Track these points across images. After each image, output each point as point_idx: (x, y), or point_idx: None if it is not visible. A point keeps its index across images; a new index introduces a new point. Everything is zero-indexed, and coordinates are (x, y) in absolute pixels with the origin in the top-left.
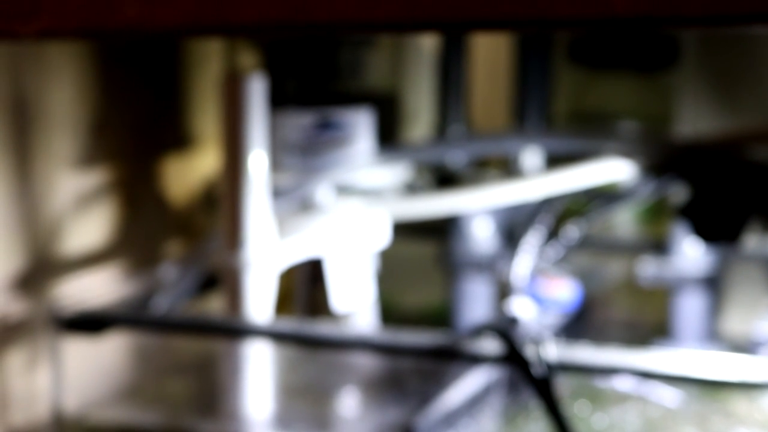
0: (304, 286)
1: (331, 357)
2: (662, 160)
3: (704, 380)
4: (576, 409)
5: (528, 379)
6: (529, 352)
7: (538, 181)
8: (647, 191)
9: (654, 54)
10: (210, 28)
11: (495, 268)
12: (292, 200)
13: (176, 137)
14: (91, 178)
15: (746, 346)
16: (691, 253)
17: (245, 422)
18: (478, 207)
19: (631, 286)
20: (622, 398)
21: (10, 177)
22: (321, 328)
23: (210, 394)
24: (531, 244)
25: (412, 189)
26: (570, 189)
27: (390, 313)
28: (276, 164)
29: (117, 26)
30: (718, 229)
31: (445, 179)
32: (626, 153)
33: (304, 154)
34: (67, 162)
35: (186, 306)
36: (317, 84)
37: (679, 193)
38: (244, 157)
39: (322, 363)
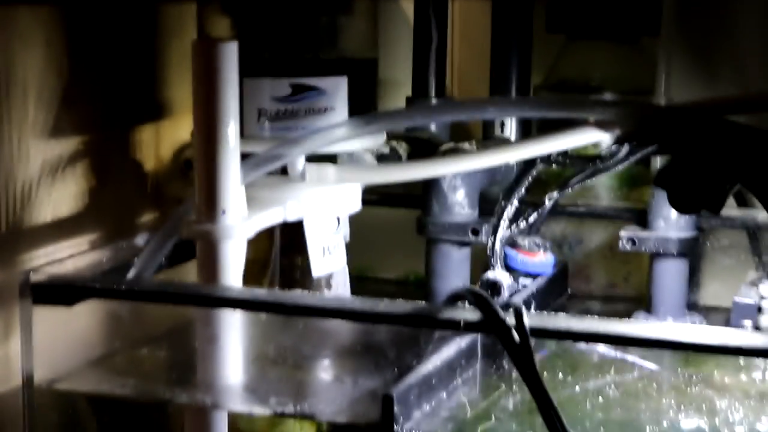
0: (279, 254)
1: (306, 325)
2: (642, 127)
3: (683, 349)
4: (554, 377)
5: (506, 346)
6: (506, 319)
7: (517, 149)
8: (627, 159)
9: (633, 23)
10: None
11: (472, 236)
12: (267, 168)
13: (151, 105)
14: (64, 147)
15: (727, 316)
16: (671, 222)
17: (220, 391)
18: (455, 175)
19: (610, 254)
20: (601, 366)
21: None
22: (296, 296)
23: (184, 362)
24: (509, 211)
25: (388, 157)
26: (548, 156)
27: (366, 282)
28: (250, 132)
29: None
30: (698, 198)
31: (422, 147)
32: (606, 120)
33: (280, 122)
34: (40, 131)
35: (160, 275)
36: (293, 52)
37: (659, 160)
38: (217, 125)
39: (298, 331)
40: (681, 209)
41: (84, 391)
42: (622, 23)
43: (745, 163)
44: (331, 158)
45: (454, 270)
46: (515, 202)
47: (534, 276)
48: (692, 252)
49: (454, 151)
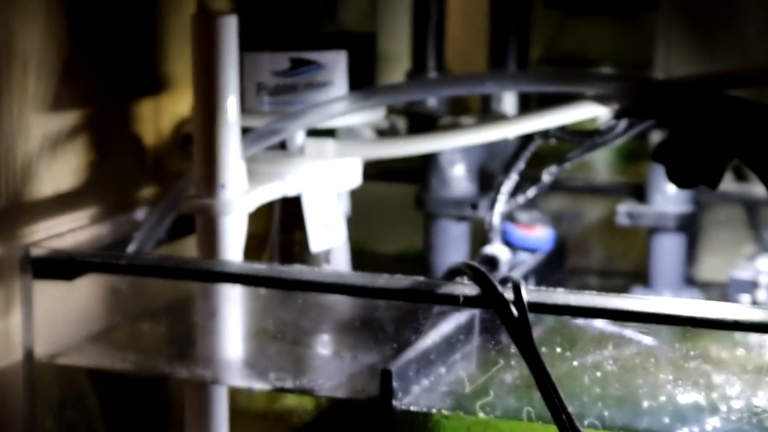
0: (278, 229)
1: (305, 300)
2: (640, 101)
3: (681, 323)
4: (552, 352)
5: (504, 321)
6: (505, 294)
7: (515, 124)
8: (625, 133)
9: None
10: None
11: (471, 211)
12: (267, 143)
13: (151, 79)
14: (64, 121)
15: (724, 290)
16: (669, 197)
17: (219, 365)
18: (454, 149)
19: (608, 229)
20: (598, 341)
21: None
22: (295, 270)
23: (184, 337)
24: (507, 186)
25: (387, 131)
26: (547, 131)
27: (365, 256)
28: (250, 106)
29: None
30: (696, 172)
31: (421, 121)
32: (604, 94)
33: (279, 97)
34: (40, 104)
35: (160, 249)
36: (292, 26)
37: (657, 135)
38: (217, 99)
39: (297, 306)
40: (678, 184)
41: (84, 366)
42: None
43: (743, 138)
44: (331, 133)
45: (452, 245)
46: (514, 177)
47: (532, 251)
48: (690, 227)
49: (453, 126)
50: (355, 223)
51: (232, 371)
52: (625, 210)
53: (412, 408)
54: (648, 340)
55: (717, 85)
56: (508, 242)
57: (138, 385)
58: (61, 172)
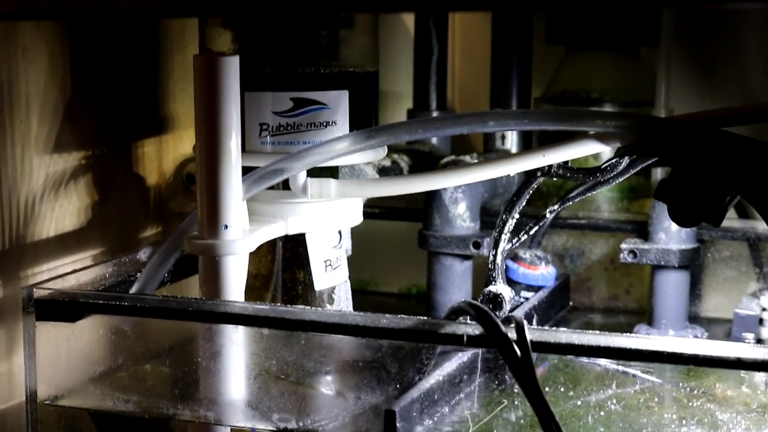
0: (281, 269)
1: (308, 340)
2: (642, 139)
3: (685, 362)
4: (555, 391)
5: (507, 360)
6: (508, 333)
7: (517, 161)
8: (627, 171)
9: (632, 34)
10: (185, 7)
11: (474, 249)
12: (269, 183)
13: (153, 120)
14: (67, 162)
15: (727, 327)
16: (672, 234)
17: (222, 406)
18: (456, 188)
19: (612, 266)
20: (602, 380)
21: None
22: (298, 311)
23: (187, 378)
24: (510, 224)
25: (389, 170)
26: (549, 169)
27: (368, 295)
28: (252, 146)
29: (89, 5)
30: (698, 210)
31: (423, 160)
32: (606, 132)
33: (281, 136)
34: (43, 145)
35: (163, 290)
36: (294, 66)
37: (659, 172)
38: (219, 139)
39: (300, 346)
40: (681, 222)
41: (87, 407)
42: (621, 34)
43: (745, 175)
44: (333, 171)
45: (455, 283)
46: (516, 215)
47: (535, 289)
48: (693, 264)
49: (455, 164)
50: (358, 261)
51: (236, 412)
52: (628, 247)
53: None
54: (652, 378)
55: (718, 122)
56: (511, 280)
57: (141, 427)
58: (64, 212)
